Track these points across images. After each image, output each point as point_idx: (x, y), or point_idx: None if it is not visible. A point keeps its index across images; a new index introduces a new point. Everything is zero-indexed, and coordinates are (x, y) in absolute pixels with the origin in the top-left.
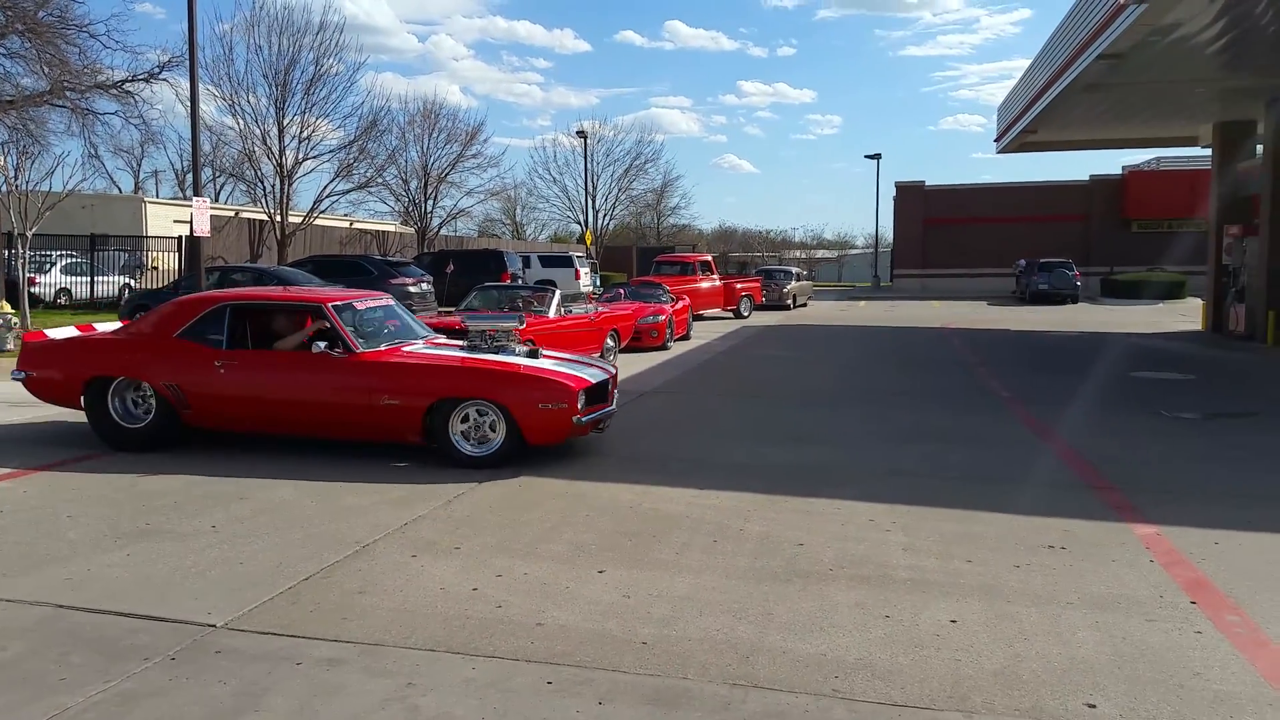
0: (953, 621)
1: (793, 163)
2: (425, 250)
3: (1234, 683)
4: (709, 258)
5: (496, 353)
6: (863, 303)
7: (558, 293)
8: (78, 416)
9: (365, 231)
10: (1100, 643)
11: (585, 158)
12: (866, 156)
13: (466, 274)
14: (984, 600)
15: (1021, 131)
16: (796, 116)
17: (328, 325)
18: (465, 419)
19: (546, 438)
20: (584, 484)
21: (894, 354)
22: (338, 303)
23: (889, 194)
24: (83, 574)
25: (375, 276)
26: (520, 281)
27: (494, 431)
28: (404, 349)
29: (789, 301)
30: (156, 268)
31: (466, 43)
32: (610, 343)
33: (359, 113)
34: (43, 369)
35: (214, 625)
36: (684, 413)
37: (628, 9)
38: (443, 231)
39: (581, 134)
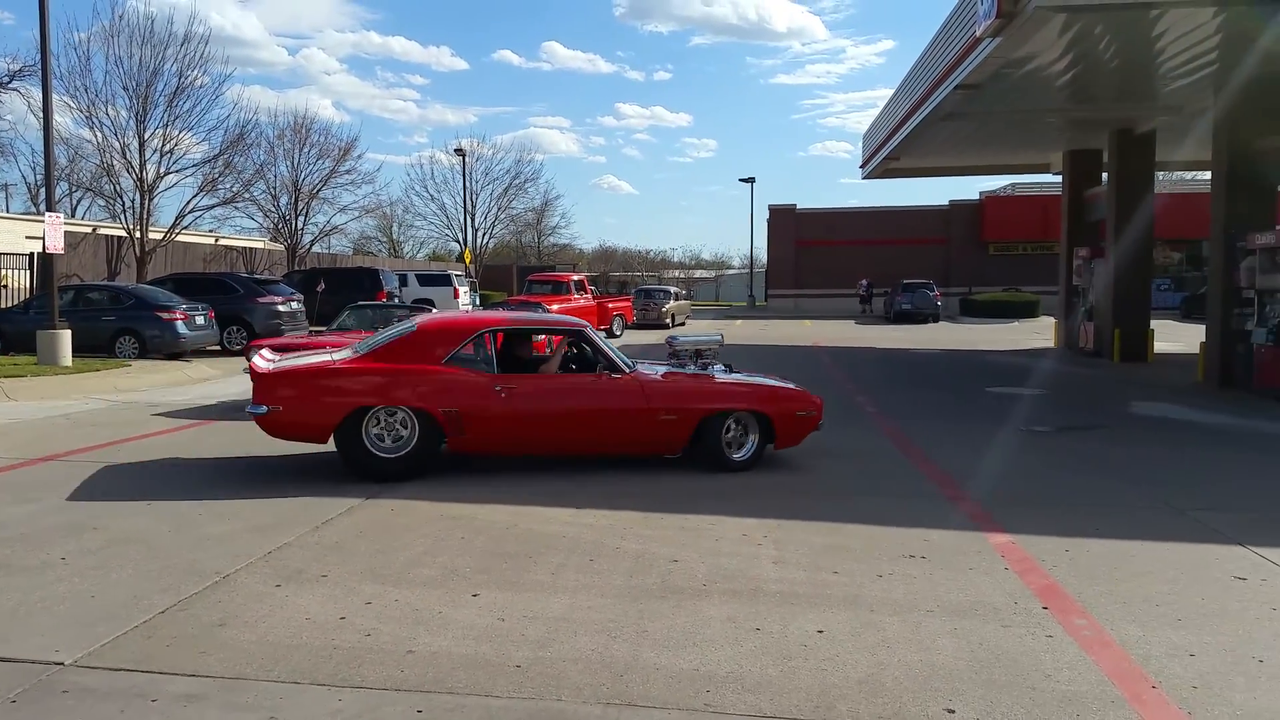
0: (820, 632)
1: (670, 184)
2: (296, 268)
3: (1081, 683)
4: (582, 276)
5: (704, 369)
6: (739, 322)
7: (435, 312)
8: None
9: (232, 248)
10: (958, 649)
11: (464, 176)
12: (741, 180)
13: (340, 292)
14: (849, 610)
15: (885, 158)
16: (673, 139)
17: (585, 348)
18: (728, 430)
19: (794, 440)
20: (460, 506)
21: (765, 368)
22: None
23: (763, 216)
24: None
25: (240, 295)
26: (397, 300)
27: (746, 439)
28: (658, 370)
29: (668, 320)
30: (6, 285)
31: (339, 57)
32: None
33: (225, 126)
34: (297, 401)
35: (61, 663)
36: None
37: (505, 29)
38: (315, 249)
39: (460, 152)
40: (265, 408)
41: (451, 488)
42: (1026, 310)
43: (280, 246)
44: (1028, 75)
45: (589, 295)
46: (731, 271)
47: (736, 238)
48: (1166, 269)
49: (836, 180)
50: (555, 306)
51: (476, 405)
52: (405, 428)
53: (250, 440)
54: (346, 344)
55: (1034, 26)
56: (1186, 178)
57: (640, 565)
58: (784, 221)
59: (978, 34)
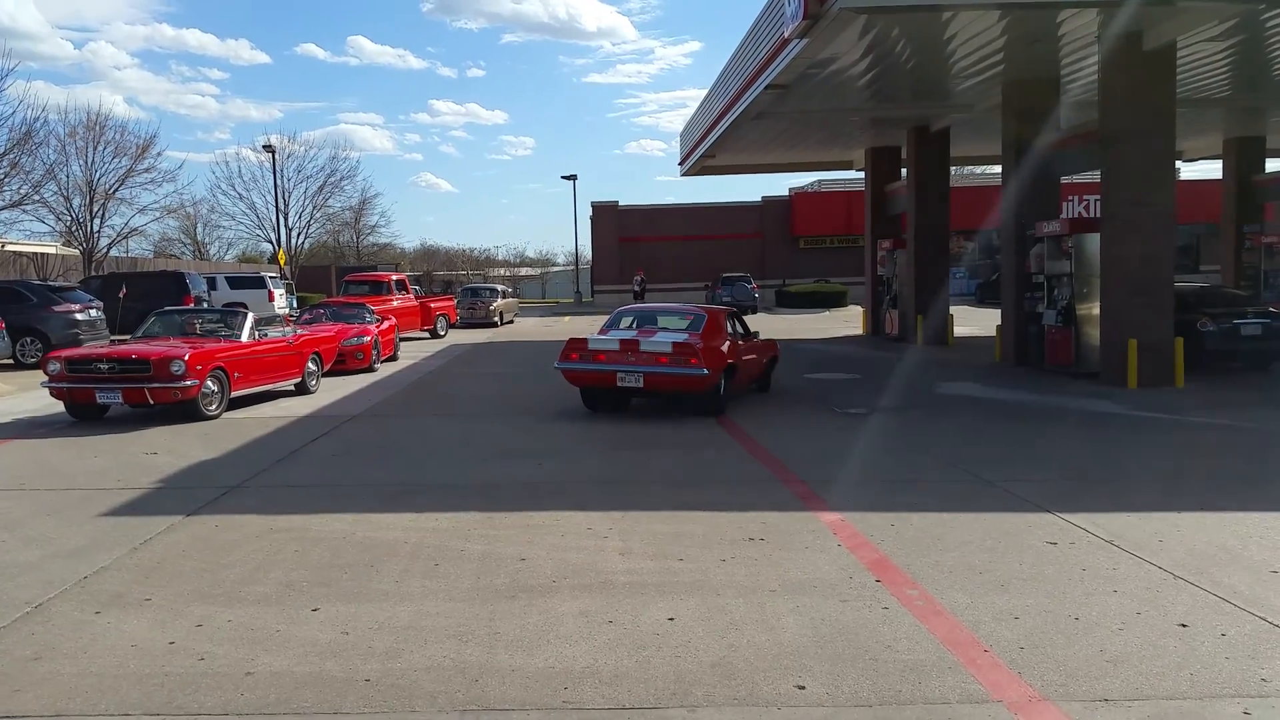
0: (670, 620)
1: (490, 182)
2: (93, 274)
3: (919, 652)
4: (402, 276)
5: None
6: (567, 318)
7: (250, 315)
8: None
9: (21, 254)
10: (802, 626)
11: (275, 173)
12: (563, 177)
13: (144, 298)
14: (697, 596)
15: (702, 156)
16: (491, 137)
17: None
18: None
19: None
20: (291, 518)
21: None
22: None
23: (587, 213)
24: None
25: (35, 304)
26: (206, 305)
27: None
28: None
29: (496, 319)
30: None
31: (130, 51)
32: (312, 366)
33: (9, 124)
34: (707, 365)
35: None
36: (395, 435)
37: (308, 22)
38: (113, 253)
39: (269, 148)
40: (701, 370)
41: (282, 500)
42: (836, 300)
43: (75, 251)
44: (833, 75)
45: (410, 295)
46: (556, 269)
47: (560, 235)
48: (960, 258)
49: (653, 178)
50: (376, 308)
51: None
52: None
53: (56, 459)
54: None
55: (838, 27)
56: (977, 171)
57: (487, 566)
58: (607, 218)
59: (785, 35)
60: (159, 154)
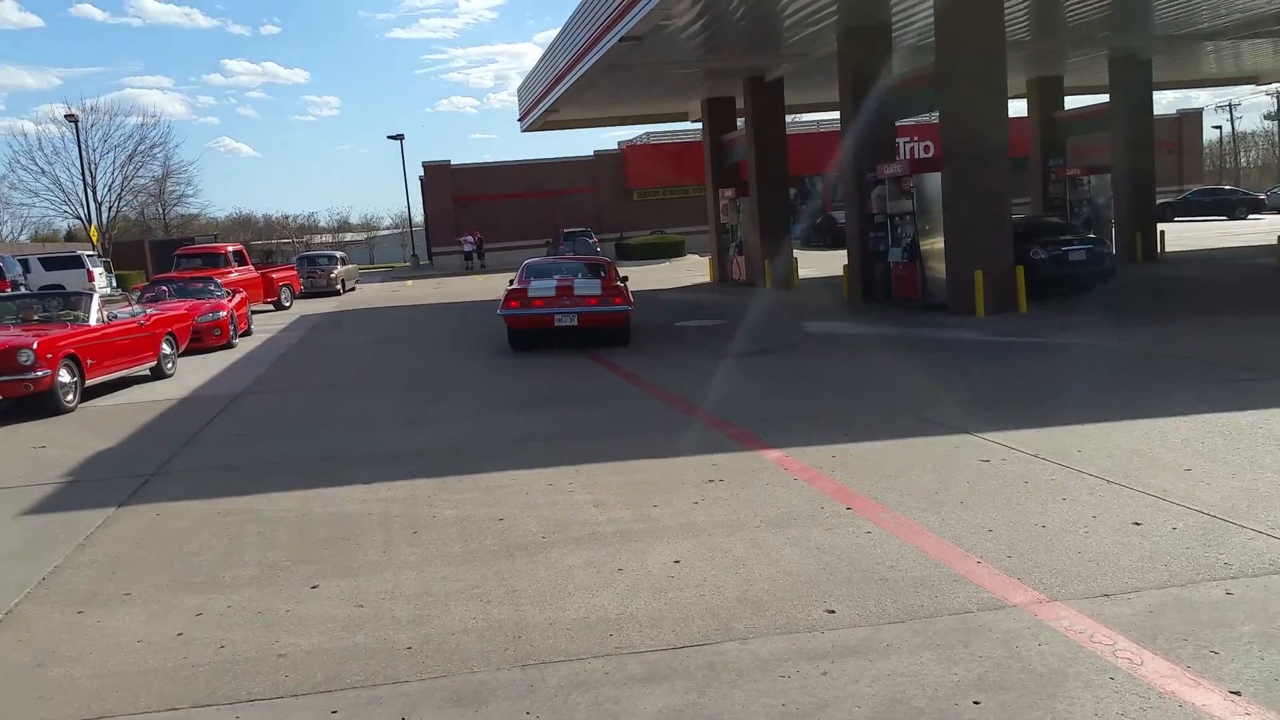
0: (677, 562)
1: (296, 145)
2: None
3: (920, 568)
4: (239, 246)
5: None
6: (410, 283)
7: (96, 296)
8: None
9: None
10: (803, 556)
11: (79, 145)
12: (389, 137)
13: None
14: (690, 538)
15: (546, 111)
16: (292, 97)
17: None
18: None
19: None
20: (233, 500)
21: (465, 328)
22: None
23: (416, 174)
24: None
25: None
26: (22, 289)
27: None
28: None
29: (338, 287)
30: None
31: None
32: (167, 348)
33: None
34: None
35: None
36: (292, 411)
37: None
38: None
39: (71, 118)
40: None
41: (212, 483)
42: (675, 250)
43: None
44: (681, 28)
45: (249, 267)
46: (383, 232)
47: (381, 197)
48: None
49: (467, 136)
50: (221, 281)
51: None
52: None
53: None
54: None
55: None
56: (801, 120)
57: (468, 530)
58: (439, 178)
59: None
60: None
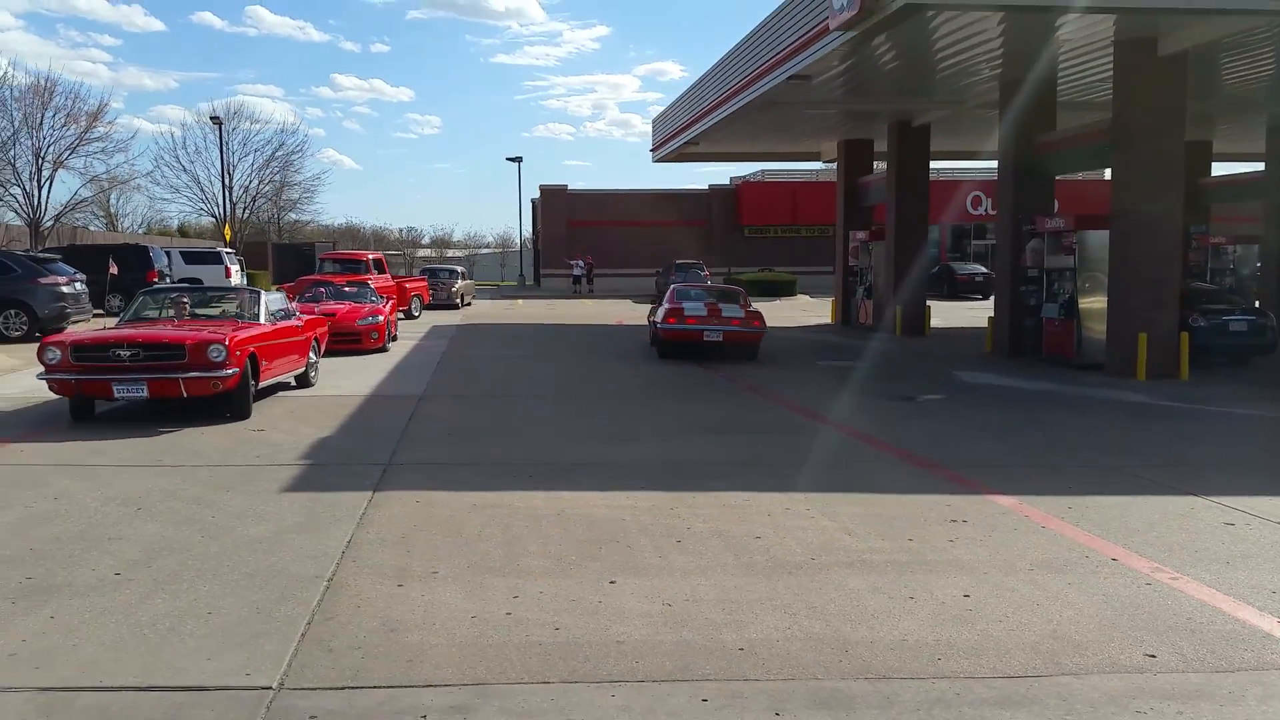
0: (966, 596)
1: (395, 161)
2: (40, 246)
3: (1224, 624)
4: (379, 255)
5: None
6: (519, 302)
7: (263, 294)
8: None
9: None
10: (1092, 601)
11: (221, 147)
12: (508, 159)
13: (104, 272)
14: (966, 574)
15: (685, 143)
16: (396, 114)
17: None
18: None
19: None
20: (482, 494)
21: (601, 348)
22: None
23: (530, 195)
24: (31, 648)
25: (19, 275)
26: (169, 280)
27: None
28: None
29: (457, 300)
30: None
31: (15, 13)
32: (313, 355)
33: None
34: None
35: (270, 687)
36: (482, 416)
37: None
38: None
39: (217, 120)
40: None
41: (450, 477)
42: (786, 289)
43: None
44: (851, 68)
45: (387, 275)
46: (484, 251)
47: (478, 216)
48: None
49: (561, 162)
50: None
51: None
52: None
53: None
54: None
55: (892, 22)
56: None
57: (731, 544)
58: (556, 201)
59: (831, 25)
60: (110, 123)
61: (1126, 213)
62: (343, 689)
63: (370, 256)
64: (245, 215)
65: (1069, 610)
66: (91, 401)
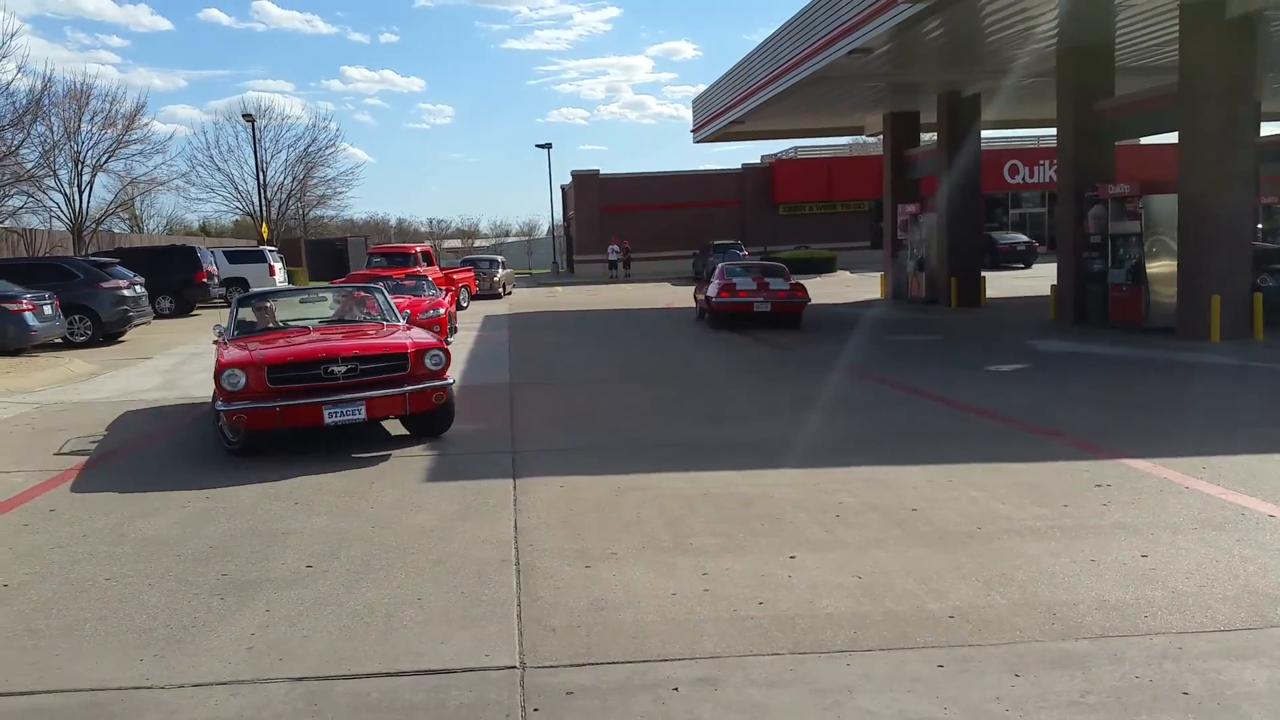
0: (1144, 556)
1: (409, 151)
2: (85, 251)
3: None
4: (427, 248)
5: None
6: (559, 289)
7: (383, 293)
8: None
9: (11, 230)
10: (1276, 557)
11: (254, 144)
12: (537, 146)
13: (152, 275)
14: (1133, 535)
15: (731, 122)
16: (408, 105)
17: None
18: None
19: None
20: (626, 477)
21: (660, 330)
22: None
23: (559, 181)
24: (264, 641)
25: (81, 280)
26: (217, 280)
27: None
28: None
29: (500, 290)
30: None
31: (21, 16)
32: None
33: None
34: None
35: (513, 666)
36: (577, 401)
37: None
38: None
39: (249, 118)
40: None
41: (585, 462)
42: (827, 266)
43: (61, 227)
44: (913, 39)
45: (436, 267)
46: (511, 239)
47: (502, 204)
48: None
49: (577, 146)
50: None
51: None
52: None
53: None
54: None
55: None
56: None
57: (891, 517)
58: (588, 187)
59: None
60: (147, 124)
61: (1197, 175)
62: (584, 665)
63: (418, 249)
64: (282, 212)
65: (1250, 566)
66: (272, 433)
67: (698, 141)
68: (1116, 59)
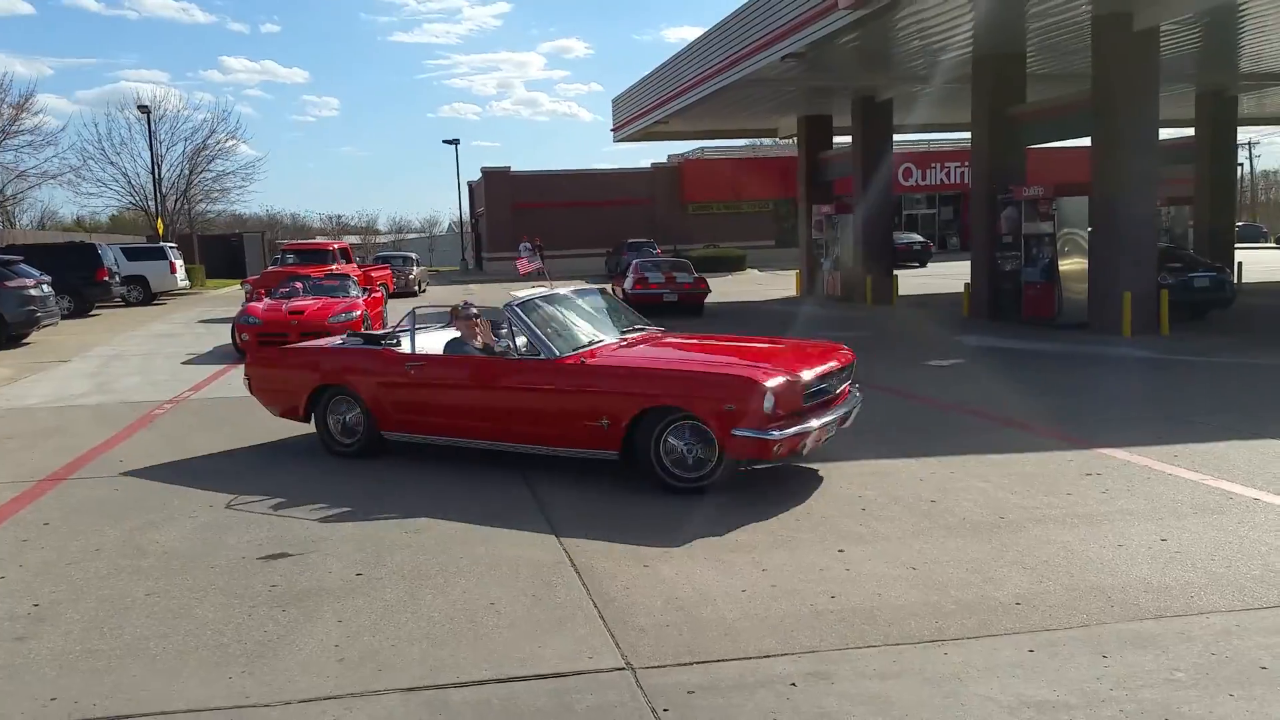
0: (1164, 540)
1: (295, 145)
2: None
3: None
4: (344, 244)
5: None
6: (474, 286)
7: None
8: None
9: None
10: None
11: (150, 136)
12: (445, 142)
13: (51, 273)
14: (1142, 521)
15: (655, 122)
16: (291, 97)
17: None
18: None
19: None
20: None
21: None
22: None
23: (465, 177)
24: (353, 652)
25: None
26: (118, 279)
27: None
28: None
29: (415, 288)
30: None
31: None
32: None
33: None
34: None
35: (622, 668)
36: None
37: None
38: None
39: (144, 109)
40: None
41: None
42: (737, 264)
43: None
44: (832, 45)
45: (354, 264)
46: (412, 236)
47: (396, 200)
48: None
49: (470, 143)
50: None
51: None
52: None
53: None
54: None
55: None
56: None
57: (911, 509)
58: (499, 184)
59: (840, 3)
60: (39, 113)
61: (1109, 178)
62: (692, 665)
63: (335, 246)
64: (177, 207)
65: (1263, 546)
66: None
67: (618, 140)
68: (1029, 67)
